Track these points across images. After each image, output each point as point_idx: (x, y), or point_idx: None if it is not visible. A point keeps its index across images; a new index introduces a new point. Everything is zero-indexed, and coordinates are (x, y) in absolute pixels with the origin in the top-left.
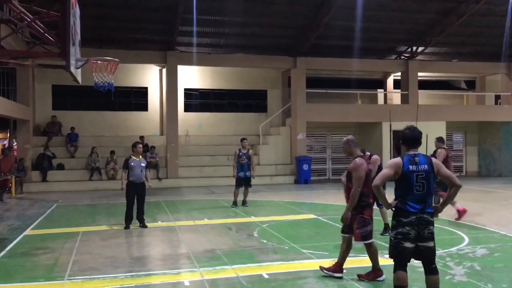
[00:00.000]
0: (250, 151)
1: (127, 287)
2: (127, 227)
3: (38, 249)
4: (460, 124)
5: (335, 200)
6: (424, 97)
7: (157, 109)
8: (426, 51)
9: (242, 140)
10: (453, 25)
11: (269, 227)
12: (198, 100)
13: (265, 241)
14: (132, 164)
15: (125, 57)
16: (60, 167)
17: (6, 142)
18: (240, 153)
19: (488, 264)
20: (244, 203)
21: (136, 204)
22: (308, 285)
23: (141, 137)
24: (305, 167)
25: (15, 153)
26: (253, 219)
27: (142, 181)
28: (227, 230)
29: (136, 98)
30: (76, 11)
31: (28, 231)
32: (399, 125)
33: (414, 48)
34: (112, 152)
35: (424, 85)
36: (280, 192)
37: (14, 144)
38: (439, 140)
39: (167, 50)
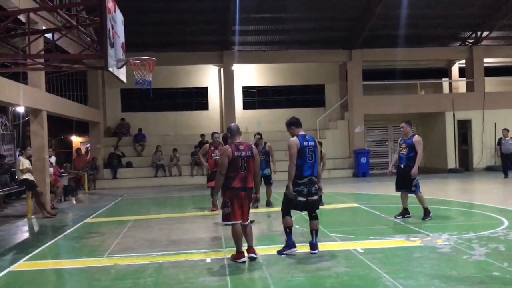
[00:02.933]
0: (268, 145)
1: (155, 263)
2: None
3: (90, 233)
4: None
5: (386, 191)
6: (494, 84)
7: (217, 107)
8: (492, 35)
9: (254, 135)
10: None
11: (307, 214)
12: (256, 97)
13: (297, 226)
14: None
15: (184, 59)
16: (129, 165)
17: (88, 145)
18: None
19: None
20: (268, 203)
21: None
22: (321, 263)
23: (202, 135)
24: (363, 160)
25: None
26: None
27: None
28: (266, 217)
29: (197, 98)
30: (115, 16)
31: (88, 220)
32: (464, 115)
33: (479, 33)
34: (175, 150)
35: (495, 71)
36: (334, 184)
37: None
38: None
39: (223, 50)
